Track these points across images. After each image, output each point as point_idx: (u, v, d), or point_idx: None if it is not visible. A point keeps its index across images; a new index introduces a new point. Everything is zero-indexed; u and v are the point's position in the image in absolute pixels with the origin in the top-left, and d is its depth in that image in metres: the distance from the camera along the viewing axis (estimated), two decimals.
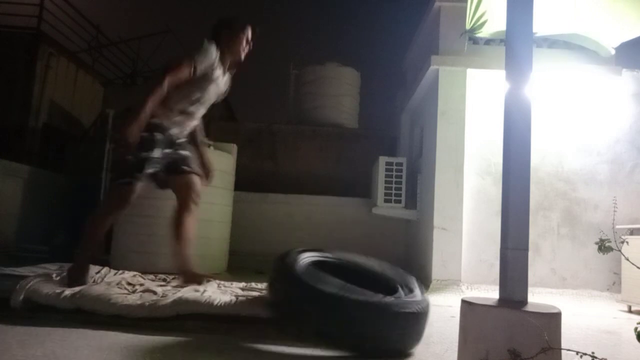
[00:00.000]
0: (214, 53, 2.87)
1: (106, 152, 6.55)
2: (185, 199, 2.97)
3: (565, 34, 3.20)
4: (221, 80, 3.06)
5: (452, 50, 5.15)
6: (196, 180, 3.00)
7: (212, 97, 3.05)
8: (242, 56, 3.03)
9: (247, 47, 3.04)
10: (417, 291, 2.28)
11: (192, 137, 3.18)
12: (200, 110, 3.05)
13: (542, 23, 2.97)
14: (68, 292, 2.54)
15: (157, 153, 2.79)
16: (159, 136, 2.79)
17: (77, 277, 2.72)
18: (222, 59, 2.96)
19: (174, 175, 2.95)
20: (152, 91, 2.66)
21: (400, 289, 2.29)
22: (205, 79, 2.88)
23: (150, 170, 2.78)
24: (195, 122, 3.09)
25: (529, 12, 1.96)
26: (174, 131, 2.93)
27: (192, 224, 2.98)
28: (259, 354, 2.05)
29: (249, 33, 3.04)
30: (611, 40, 3.14)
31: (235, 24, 3.01)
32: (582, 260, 4.99)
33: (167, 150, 2.87)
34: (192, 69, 2.76)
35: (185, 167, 2.96)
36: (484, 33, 3.11)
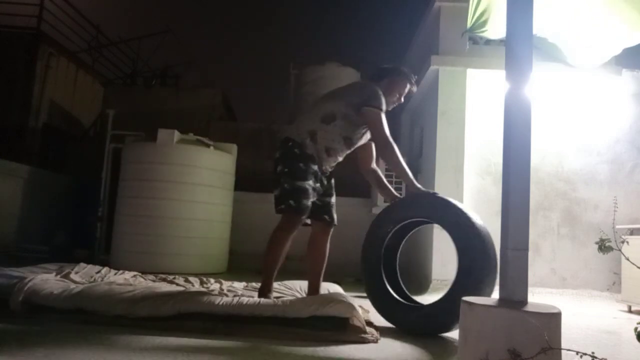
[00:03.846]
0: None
1: (106, 152, 6.56)
2: (319, 237, 3.00)
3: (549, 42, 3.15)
4: None
5: (452, 50, 5.15)
6: (331, 229, 3.03)
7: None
8: (391, 106, 3.02)
9: (400, 99, 3.05)
10: None
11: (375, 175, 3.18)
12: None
13: (541, 24, 2.96)
14: (68, 292, 2.54)
15: (311, 183, 2.79)
16: (314, 167, 2.81)
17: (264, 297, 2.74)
18: None
19: (315, 219, 2.98)
20: (393, 152, 2.86)
21: None
22: None
23: (307, 202, 2.76)
24: (340, 159, 3.05)
25: (529, 12, 1.96)
26: (328, 165, 2.96)
27: (327, 247, 3.02)
28: (259, 354, 2.05)
29: (408, 87, 3.05)
30: (611, 46, 3.11)
31: (400, 75, 3.02)
32: (582, 260, 4.99)
33: (317, 185, 2.88)
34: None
35: (327, 217, 3.00)
36: (486, 33, 3.10)
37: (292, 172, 2.77)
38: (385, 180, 3.22)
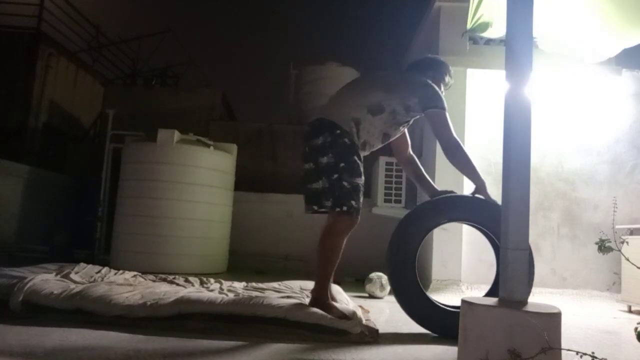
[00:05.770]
0: None
1: (106, 152, 6.56)
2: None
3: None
4: None
5: (452, 50, 5.15)
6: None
7: None
8: None
9: (443, 92, 2.87)
10: None
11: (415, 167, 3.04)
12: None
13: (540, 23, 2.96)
14: (67, 292, 2.54)
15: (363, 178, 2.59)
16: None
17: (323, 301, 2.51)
18: None
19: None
20: (464, 154, 2.66)
21: None
22: None
23: (362, 200, 2.56)
24: (367, 154, 2.81)
25: (529, 12, 1.96)
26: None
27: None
28: (260, 354, 2.05)
29: (447, 80, 2.91)
30: (609, 48, 3.12)
31: (443, 67, 2.89)
32: (582, 260, 4.99)
33: None
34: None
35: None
36: (485, 33, 3.10)
37: (351, 168, 2.51)
38: (424, 171, 3.04)
